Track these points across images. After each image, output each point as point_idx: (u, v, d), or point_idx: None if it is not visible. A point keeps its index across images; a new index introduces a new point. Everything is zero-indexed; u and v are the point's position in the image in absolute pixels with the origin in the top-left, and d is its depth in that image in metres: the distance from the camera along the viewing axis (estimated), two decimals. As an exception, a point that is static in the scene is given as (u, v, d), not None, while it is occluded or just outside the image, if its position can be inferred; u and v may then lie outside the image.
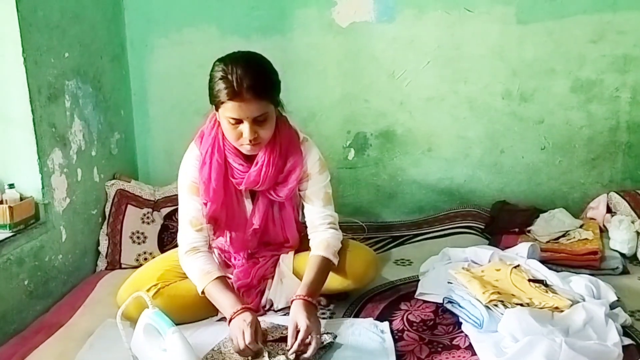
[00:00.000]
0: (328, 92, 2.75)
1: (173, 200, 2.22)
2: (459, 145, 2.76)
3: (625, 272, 2.03)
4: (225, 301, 1.60)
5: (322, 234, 1.75)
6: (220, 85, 1.54)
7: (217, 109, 1.61)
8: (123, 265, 2.28)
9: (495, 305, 1.59)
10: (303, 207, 1.82)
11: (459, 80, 2.69)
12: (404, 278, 2.05)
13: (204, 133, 1.74)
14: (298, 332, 1.47)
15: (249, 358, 1.47)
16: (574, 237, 2.23)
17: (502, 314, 1.55)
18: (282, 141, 1.70)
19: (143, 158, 2.85)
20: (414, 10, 2.63)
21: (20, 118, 1.92)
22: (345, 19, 2.65)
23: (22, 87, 1.89)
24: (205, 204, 1.72)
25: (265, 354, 1.46)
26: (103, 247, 2.32)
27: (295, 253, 1.85)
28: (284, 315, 1.72)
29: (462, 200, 2.78)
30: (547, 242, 2.24)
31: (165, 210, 2.43)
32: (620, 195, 2.48)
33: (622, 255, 2.13)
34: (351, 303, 1.86)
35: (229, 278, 1.75)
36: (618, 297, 1.69)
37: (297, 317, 1.51)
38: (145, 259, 2.27)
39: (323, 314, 1.79)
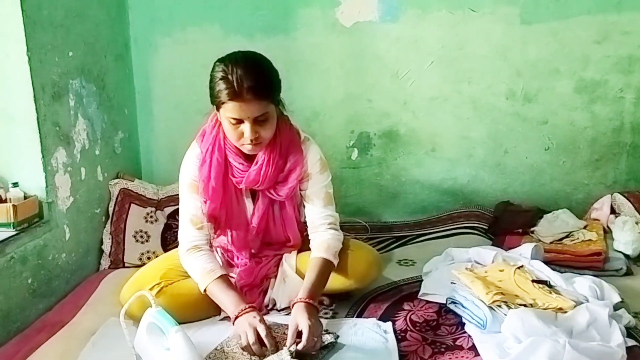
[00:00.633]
0: (331, 92, 2.75)
1: (176, 199, 2.21)
2: (462, 145, 2.76)
3: (629, 273, 2.02)
4: (228, 300, 1.60)
5: (323, 235, 1.75)
6: (221, 86, 1.54)
7: (218, 109, 1.61)
8: (126, 264, 2.29)
9: (499, 306, 1.59)
10: (304, 206, 1.82)
11: (462, 80, 2.69)
12: (407, 278, 2.05)
13: (206, 132, 1.74)
14: (299, 332, 1.47)
15: (254, 356, 1.47)
16: (578, 238, 2.23)
17: (506, 315, 1.55)
18: (282, 140, 1.70)
19: (146, 157, 2.85)
20: (417, 10, 2.63)
21: (24, 117, 1.92)
22: (349, 19, 2.65)
23: (27, 85, 1.89)
24: (205, 202, 1.72)
25: (268, 351, 1.46)
26: (106, 245, 2.33)
27: (298, 252, 1.85)
28: (287, 314, 1.71)
29: (466, 200, 2.78)
30: (551, 242, 2.23)
31: (168, 210, 2.44)
32: (624, 196, 2.47)
33: (626, 256, 2.12)
34: (354, 303, 1.86)
35: (232, 277, 1.75)
36: (622, 299, 1.68)
37: (299, 319, 1.51)
38: (149, 258, 2.27)
39: (326, 313, 1.79)
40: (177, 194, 1.83)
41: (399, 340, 1.59)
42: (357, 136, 2.79)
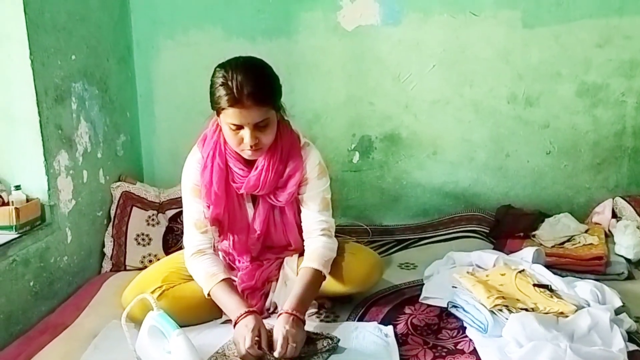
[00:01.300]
0: (333, 95, 2.75)
1: (178, 202, 2.23)
2: (464, 148, 2.76)
3: (630, 277, 2.03)
4: (230, 304, 1.60)
5: (315, 242, 1.74)
6: (221, 92, 1.54)
7: (218, 115, 1.61)
8: (128, 267, 2.29)
9: (500, 310, 1.59)
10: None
11: (464, 83, 2.69)
12: (409, 282, 2.05)
13: (207, 136, 1.74)
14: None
15: None
16: (579, 242, 2.23)
17: (507, 319, 1.55)
18: (283, 146, 1.70)
19: (148, 160, 2.85)
20: (419, 14, 2.64)
21: (26, 119, 1.92)
22: (351, 23, 2.66)
23: (29, 88, 1.89)
24: (208, 207, 1.72)
25: (266, 356, 1.46)
26: (108, 248, 2.33)
27: (299, 256, 1.84)
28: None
29: (467, 203, 2.78)
30: (552, 246, 2.23)
31: (170, 213, 2.44)
32: (625, 200, 2.48)
33: (628, 260, 2.12)
34: (355, 306, 1.86)
35: (234, 281, 1.75)
36: (623, 303, 1.69)
37: (276, 328, 1.51)
38: (150, 261, 2.27)
39: (327, 317, 1.79)
40: (179, 197, 1.84)
41: (400, 344, 1.59)
42: (358, 139, 2.79)
